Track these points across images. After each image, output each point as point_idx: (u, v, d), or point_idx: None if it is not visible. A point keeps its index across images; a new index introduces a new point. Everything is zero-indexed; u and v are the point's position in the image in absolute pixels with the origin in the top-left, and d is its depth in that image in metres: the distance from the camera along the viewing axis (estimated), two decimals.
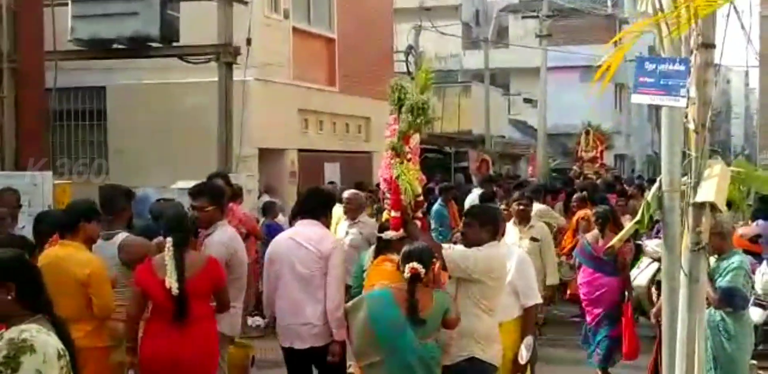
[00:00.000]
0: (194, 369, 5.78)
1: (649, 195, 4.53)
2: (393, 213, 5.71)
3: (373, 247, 6.05)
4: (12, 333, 3.45)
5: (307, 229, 6.35)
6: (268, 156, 16.00)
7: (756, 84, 29.85)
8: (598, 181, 20.24)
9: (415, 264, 5.19)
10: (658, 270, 9.82)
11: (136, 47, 13.13)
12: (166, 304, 5.68)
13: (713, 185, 4.12)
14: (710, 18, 4.05)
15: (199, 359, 5.81)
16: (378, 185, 6.22)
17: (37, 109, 11.65)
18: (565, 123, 33.76)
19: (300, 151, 17.34)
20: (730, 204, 4.49)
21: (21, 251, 3.85)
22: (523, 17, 36.35)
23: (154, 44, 12.98)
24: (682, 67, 4.16)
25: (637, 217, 4.61)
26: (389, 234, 5.72)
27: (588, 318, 9.10)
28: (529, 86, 36.24)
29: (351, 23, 19.22)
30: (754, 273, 8.16)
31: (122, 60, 13.88)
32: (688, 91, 4.15)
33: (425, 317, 5.22)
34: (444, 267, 5.49)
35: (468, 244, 5.82)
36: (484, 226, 5.83)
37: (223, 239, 6.43)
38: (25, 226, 7.94)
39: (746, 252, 7.96)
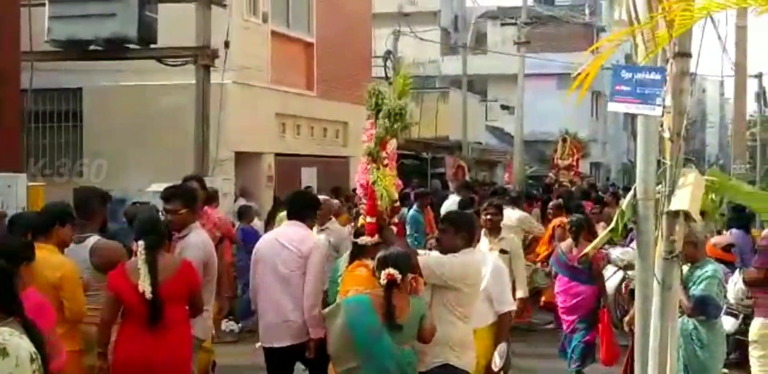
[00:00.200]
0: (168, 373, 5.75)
1: (624, 203, 4.55)
2: (368, 219, 5.70)
3: (347, 253, 6.04)
4: None
5: (290, 230, 6.56)
6: (244, 159, 15.96)
7: (731, 94, 30.12)
8: (573, 189, 20.36)
9: (391, 270, 5.18)
10: (623, 278, 9.92)
11: (114, 49, 13.05)
12: (140, 308, 5.64)
13: (687, 194, 4.15)
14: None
15: (173, 364, 5.77)
16: (355, 190, 6.23)
17: (13, 110, 11.55)
18: (542, 130, 33.91)
19: (277, 155, 17.30)
20: (703, 214, 4.52)
21: None
22: (502, 24, 36.58)
23: (131, 46, 12.91)
24: (658, 76, 4.18)
25: (612, 225, 4.63)
26: (364, 239, 5.71)
27: (564, 326, 9.14)
28: (507, 93, 36.35)
29: (330, 28, 19.21)
30: (727, 282, 8.21)
31: (99, 61, 13.80)
32: (663, 100, 4.18)
33: (402, 323, 5.22)
34: (419, 274, 5.49)
35: (443, 251, 5.82)
36: (460, 233, 5.83)
37: (198, 241, 6.46)
38: None
39: (719, 261, 8.02)
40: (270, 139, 17.06)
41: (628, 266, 9.54)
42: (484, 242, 8.45)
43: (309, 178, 18.13)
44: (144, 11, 12.54)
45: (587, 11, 41.99)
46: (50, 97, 15.67)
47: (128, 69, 14.22)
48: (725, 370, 7.23)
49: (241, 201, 13.82)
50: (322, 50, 18.96)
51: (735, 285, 8.76)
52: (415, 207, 13.89)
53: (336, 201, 12.82)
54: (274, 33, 17.21)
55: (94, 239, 6.25)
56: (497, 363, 6.04)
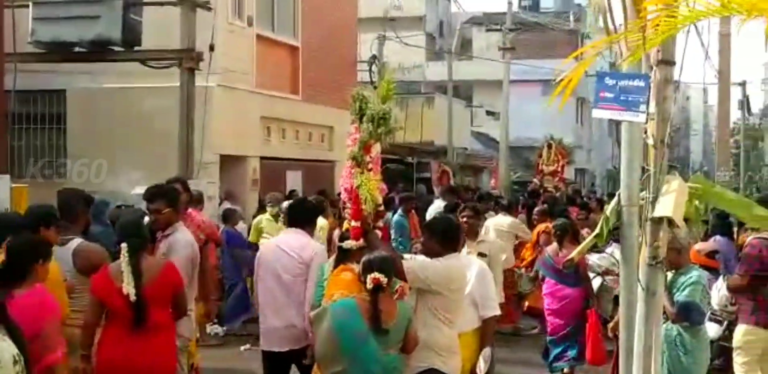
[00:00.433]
0: None
1: (608, 209, 4.57)
2: (353, 223, 5.70)
3: (333, 257, 6.04)
4: None
5: (291, 237, 6.73)
6: (229, 163, 15.92)
7: (715, 101, 30.28)
8: (558, 195, 20.40)
9: (377, 275, 5.17)
10: (601, 285, 9.97)
11: (98, 51, 13.02)
12: (125, 311, 5.62)
13: (671, 200, 4.17)
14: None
15: (158, 366, 5.77)
16: (339, 194, 6.24)
17: None
18: (527, 136, 34.01)
19: (262, 158, 17.27)
20: (687, 220, 4.54)
21: None
22: (487, 30, 36.61)
23: (115, 48, 12.88)
24: (642, 83, 4.20)
25: (596, 231, 4.64)
26: (349, 243, 5.71)
27: (549, 328, 9.18)
28: (492, 98, 36.47)
29: (315, 32, 19.21)
30: (711, 288, 8.25)
31: (83, 63, 13.74)
32: (647, 107, 4.20)
33: (388, 327, 5.21)
34: (404, 278, 5.49)
35: (428, 255, 5.84)
36: (443, 238, 5.85)
37: (186, 238, 6.57)
38: None
39: (703, 267, 8.05)
40: (255, 142, 17.04)
41: (607, 272, 9.59)
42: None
43: (294, 181, 18.12)
44: (128, 14, 12.52)
45: (572, 18, 42.14)
46: (34, 98, 15.60)
47: (112, 71, 14.19)
48: None
49: (226, 205, 13.79)
50: (307, 54, 18.95)
51: (719, 292, 8.78)
52: (399, 211, 13.89)
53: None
54: (259, 36, 17.19)
55: (77, 242, 6.23)
56: (482, 367, 6.04)
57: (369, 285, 5.19)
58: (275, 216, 12.10)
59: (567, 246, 8.97)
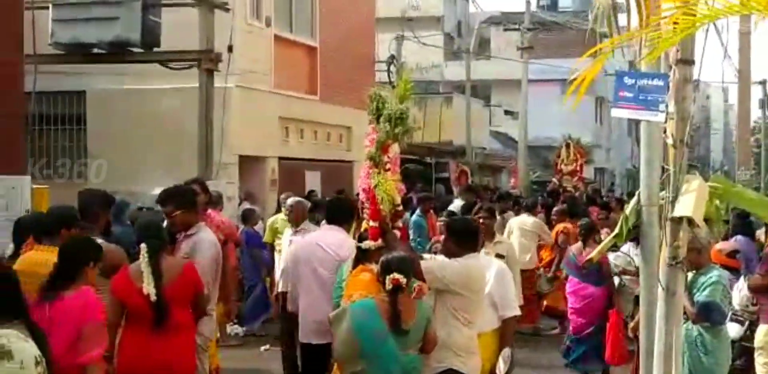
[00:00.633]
0: None
1: (628, 209, 4.55)
2: (371, 223, 5.71)
3: (351, 258, 6.05)
4: None
5: (329, 235, 6.78)
6: (248, 163, 15.96)
7: (735, 100, 30.10)
8: (577, 194, 20.34)
9: (396, 275, 5.17)
10: (619, 284, 9.97)
11: (117, 52, 13.08)
12: (145, 311, 5.64)
13: (691, 200, 4.15)
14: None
15: (179, 366, 5.79)
16: (358, 195, 6.25)
17: (17, 113, 11.55)
18: (546, 135, 33.91)
19: (281, 159, 17.30)
20: (707, 220, 4.52)
21: None
22: (505, 29, 36.52)
23: (134, 49, 12.94)
24: (661, 83, 4.19)
25: (616, 230, 4.63)
26: (367, 244, 5.71)
27: (571, 327, 9.23)
28: (510, 98, 36.37)
29: (333, 32, 19.22)
30: (732, 288, 8.20)
31: (103, 65, 13.81)
32: (666, 106, 4.18)
33: (408, 328, 5.22)
34: (423, 278, 5.49)
35: (447, 255, 5.85)
36: (463, 238, 5.85)
37: (210, 238, 6.59)
38: None
39: (724, 267, 8.01)
40: (273, 142, 17.07)
41: (624, 271, 9.59)
42: None
43: (313, 182, 18.13)
44: (147, 15, 12.57)
45: (590, 17, 41.93)
46: (54, 99, 15.67)
47: (131, 72, 14.24)
48: None
49: (246, 205, 13.82)
50: (325, 55, 18.97)
51: (740, 292, 8.73)
52: (417, 211, 13.88)
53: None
54: (277, 37, 17.22)
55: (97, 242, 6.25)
56: (501, 368, 6.03)
57: (388, 286, 5.19)
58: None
59: (591, 246, 9.03)
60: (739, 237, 9.96)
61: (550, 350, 10.76)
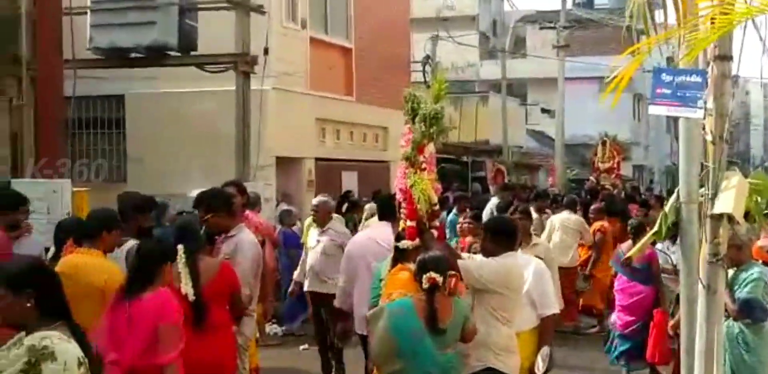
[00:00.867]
0: None
1: (667, 206, 4.53)
2: (408, 223, 5.72)
3: (389, 258, 6.06)
4: (32, 340, 3.46)
5: (381, 230, 6.92)
6: (285, 165, 16.03)
7: None
8: (615, 192, 20.21)
9: (432, 274, 5.18)
10: None
11: (155, 56, 13.20)
12: (183, 311, 5.69)
13: (731, 196, 4.11)
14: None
15: (219, 366, 5.84)
16: (395, 194, 6.27)
17: (56, 117, 11.70)
18: (583, 133, 33.69)
19: (317, 160, 17.36)
20: (747, 216, 4.48)
21: (40, 258, 3.90)
22: (541, 28, 36.34)
23: (172, 53, 13.05)
24: (699, 79, 4.16)
25: (655, 228, 4.60)
26: (405, 243, 5.72)
27: (619, 323, 9.30)
28: (547, 96, 36.20)
29: (368, 33, 19.25)
30: None
31: (141, 69, 13.95)
32: (705, 103, 4.15)
33: (445, 327, 5.22)
34: (461, 277, 5.49)
35: (485, 254, 5.84)
36: (501, 236, 5.84)
37: (251, 239, 6.68)
38: (27, 235, 7.98)
39: (765, 264, 7.93)
40: (310, 144, 17.13)
41: (662, 270, 9.55)
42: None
43: (349, 182, 18.18)
44: (184, 19, 12.67)
45: (627, 14, 41.54)
46: (93, 104, 15.85)
47: (169, 76, 14.35)
48: None
49: (283, 206, 13.89)
50: (360, 55, 19.00)
51: None
52: (454, 210, 13.87)
53: (373, 205, 12.84)
54: (312, 39, 17.27)
55: (130, 243, 6.32)
56: (540, 366, 6.01)
57: (425, 285, 5.20)
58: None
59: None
60: None
61: (589, 349, 10.71)
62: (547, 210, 14.10)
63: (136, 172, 15.60)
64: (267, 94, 14.49)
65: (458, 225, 9.71)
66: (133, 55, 13.30)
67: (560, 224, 12.56)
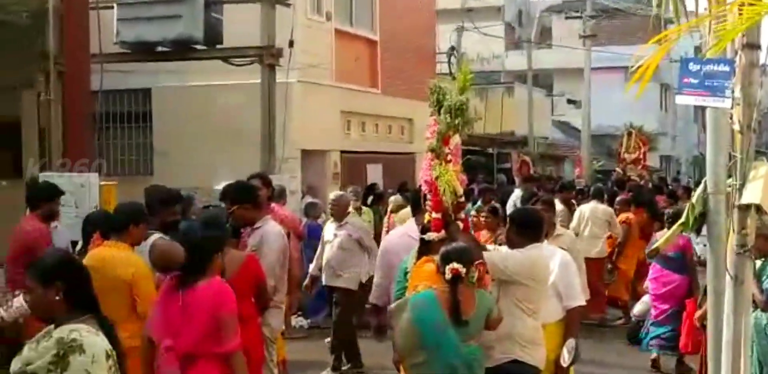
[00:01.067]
0: None
1: (695, 196, 4.50)
2: (434, 215, 5.71)
3: (414, 250, 6.06)
4: (61, 332, 3.49)
5: (414, 225, 6.83)
6: (310, 157, 16.07)
7: None
8: (642, 183, 20.09)
9: (455, 265, 5.18)
10: None
11: (180, 50, 13.25)
12: None
13: (759, 187, 4.09)
14: None
15: (246, 357, 5.86)
16: (420, 187, 6.26)
17: (84, 111, 11.79)
18: (609, 124, 33.48)
19: (342, 152, 17.38)
20: None
21: (69, 251, 3.92)
22: (567, 17, 36.13)
23: (197, 46, 13.10)
24: (727, 68, 4.12)
25: (682, 219, 4.58)
26: (431, 235, 5.71)
27: (653, 312, 9.39)
28: (573, 87, 36.01)
29: (393, 25, 19.23)
30: None
31: (167, 62, 14.01)
32: (732, 92, 4.11)
33: (468, 319, 5.21)
34: (486, 269, 5.49)
35: (511, 246, 5.83)
36: (526, 228, 5.82)
37: (277, 230, 6.69)
38: (57, 226, 8.12)
39: None
40: (335, 136, 17.15)
41: None
42: None
43: (374, 174, 18.18)
44: (209, 12, 12.72)
45: (654, 3, 41.17)
46: (120, 98, 15.95)
47: (195, 69, 14.42)
48: None
49: (308, 199, 13.93)
50: (385, 47, 18.99)
51: None
52: (479, 202, 13.84)
53: (398, 197, 12.87)
54: (337, 31, 17.28)
55: (155, 237, 6.35)
56: (566, 358, 5.99)
57: (448, 276, 5.19)
58: (357, 210, 12.23)
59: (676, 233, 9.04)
60: None
61: (615, 341, 10.67)
62: (573, 202, 14.01)
63: (163, 165, 15.69)
64: (292, 86, 14.52)
65: (472, 219, 9.67)
66: (159, 48, 13.37)
67: (590, 212, 12.48)
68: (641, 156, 24.04)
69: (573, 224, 12.35)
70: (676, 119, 44.73)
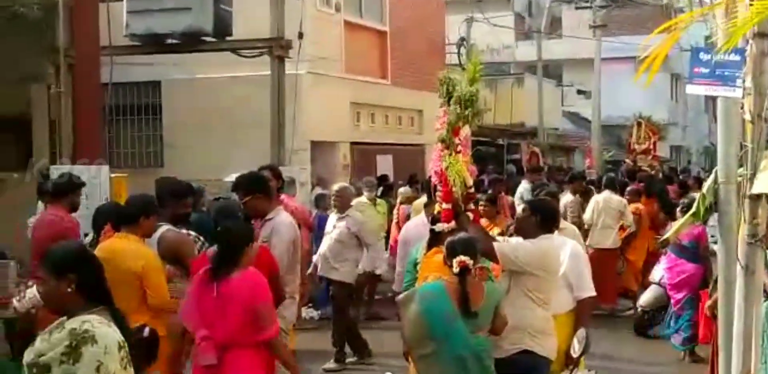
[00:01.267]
0: None
1: (706, 186, 4.49)
2: (444, 206, 5.71)
3: (424, 241, 6.06)
4: (73, 323, 3.50)
5: None
6: (320, 149, 16.07)
7: None
8: (653, 173, 20.03)
9: (462, 257, 5.17)
10: None
11: (190, 42, 13.26)
12: None
13: None
14: None
15: None
16: (430, 177, 6.26)
17: (94, 104, 11.82)
18: (619, 114, 33.35)
19: (352, 143, 17.38)
20: None
21: (82, 243, 3.94)
22: (577, 8, 35.95)
23: (207, 39, 13.10)
24: (738, 57, 4.11)
25: (693, 209, 4.57)
26: (440, 226, 5.71)
27: (672, 302, 9.46)
28: (583, 77, 35.87)
29: (402, 16, 19.20)
30: None
31: (176, 55, 14.03)
32: (743, 82, 4.10)
33: (477, 310, 5.22)
34: (495, 259, 5.49)
35: (523, 236, 5.83)
36: (539, 219, 5.82)
37: (288, 221, 6.70)
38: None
39: None
40: (345, 127, 17.15)
41: None
42: None
43: (384, 166, 18.18)
44: (219, 4, 12.72)
45: None
46: (130, 90, 15.98)
47: (204, 61, 14.42)
48: None
49: (318, 190, 13.94)
50: (395, 38, 18.96)
51: None
52: (489, 193, 13.80)
53: (407, 189, 12.86)
54: (347, 22, 17.26)
55: (164, 228, 6.37)
56: (576, 348, 5.99)
57: (455, 269, 5.19)
58: (372, 200, 12.23)
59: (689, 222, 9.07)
60: None
61: (625, 331, 10.66)
62: (591, 188, 13.95)
63: (173, 157, 15.72)
64: (302, 78, 14.52)
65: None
66: (168, 41, 13.38)
67: (603, 202, 12.42)
68: (651, 146, 23.96)
69: (586, 215, 12.31)
70: (686, 109, 44.53)
